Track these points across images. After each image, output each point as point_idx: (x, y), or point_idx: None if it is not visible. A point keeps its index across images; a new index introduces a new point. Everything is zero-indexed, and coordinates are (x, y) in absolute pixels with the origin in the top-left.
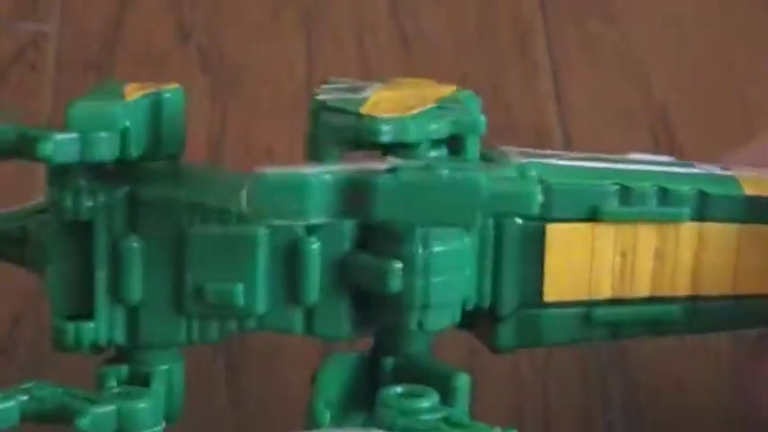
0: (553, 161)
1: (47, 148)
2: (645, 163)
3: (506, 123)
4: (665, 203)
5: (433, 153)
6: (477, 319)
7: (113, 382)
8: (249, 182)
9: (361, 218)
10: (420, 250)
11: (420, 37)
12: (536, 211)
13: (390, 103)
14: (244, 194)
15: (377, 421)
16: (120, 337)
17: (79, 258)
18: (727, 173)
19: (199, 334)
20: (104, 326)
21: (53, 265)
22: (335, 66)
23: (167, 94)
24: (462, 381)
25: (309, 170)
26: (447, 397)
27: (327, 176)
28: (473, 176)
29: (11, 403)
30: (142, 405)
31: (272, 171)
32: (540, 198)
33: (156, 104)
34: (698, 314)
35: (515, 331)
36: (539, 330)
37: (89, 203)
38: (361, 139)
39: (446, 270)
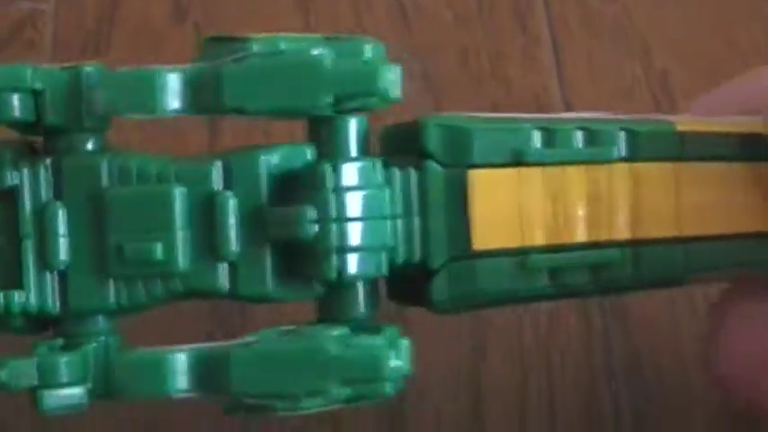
0: (476, 114)
1: None
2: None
3: (507, 98)
4: (592, 143)
5: None
6: (413, 281)
7: (44, 349)
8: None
9: (213, 109)
10: (332, 192)
11: (419, 12)
12: (383, 92)
13: None
14: (97, 92)
15: None
16: (50, 304)
17: (4, 228)
18: (662, 117)
19: (127, 298)
20: (34, 294)
21: None
22: None
23: (88, 68)
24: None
25: (156, 66)
26: None
27: (174, 73)
28: (315, 57)
29: None
30: (65, 359)
31: (121, 69)
32: (392, 79)
33: (76, 76)
34: (643, 259)
35: (449, 284)
36: (473, 282)
37: (14, 173)
38: None
39: (362, 212)
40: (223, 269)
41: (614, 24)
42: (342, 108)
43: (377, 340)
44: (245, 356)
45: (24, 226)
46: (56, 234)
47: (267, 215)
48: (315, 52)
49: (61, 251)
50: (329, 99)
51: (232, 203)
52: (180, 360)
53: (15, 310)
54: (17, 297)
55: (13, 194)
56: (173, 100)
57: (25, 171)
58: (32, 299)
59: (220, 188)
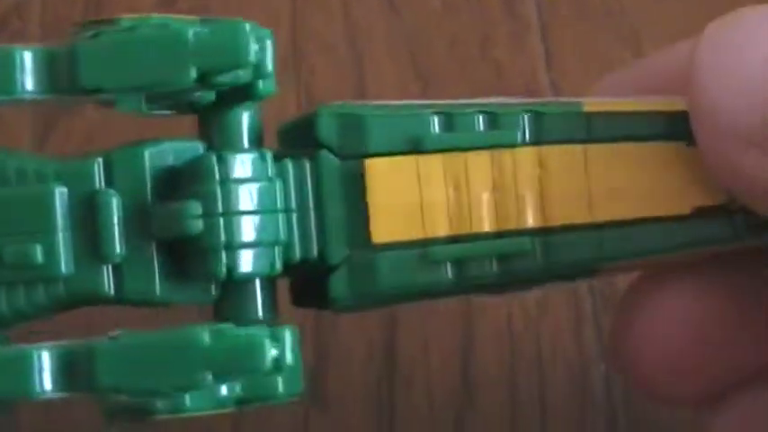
0: (378, 102)
1: None
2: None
3: (496, 83)
4: (494, 127)
5: None
6: (313, 282)
7: None
8: None
9: (71, 90)
10: (218, 185)
11: (408, 1)
12: (247, 59)
13: None
14: None
15: None
16: None
17: None
18: (572, 99)
19: (6, 305)
20: None
21: None
22: (320, 28)
23: None
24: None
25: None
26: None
27: (29, 52)
28: (175, 29)
29: None
30: None
31: None
32: (253, 50)
33: None
34: (553, 247)
35: (349, 281)
36: (374, 277)
37: None
38: None
39: (251, 206)
40: (107, 272)
41: (603, 7)
42: (210, 84)
43: (254, 330)
44: (111, 349)
45: None
46: None
47: (152, 213)
48: (175, 26)
49: None
50: (193, 74)
51: (115, 202)
52: (44, 357)
53: None
54: None
55: None
56: (28, 80)
57: None
58: None
59: (102, 186)
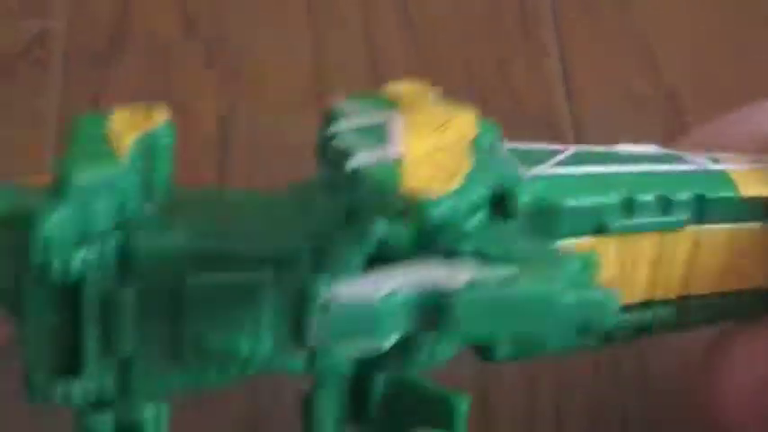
0: (559, 171)
1: (47, 229)
2: (637, 160)
3: (514, 108)
4: (667, 213)
5: (477, 217)
6: None
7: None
8: (316, 313)
9: (436, 330)
10: None
11: (426, 22)
12: (610, 322)
13: (430, 164)
14: (311, 324)
15: None
16: (110, 390)
17: (63, 311)
18: (718, 167)
19: (200, 381)
20: (94, 381)
21: (32, 318)
22: (342, 53)
23: (162, 136)
24: (464, 405)
25: (377, 291)
26: (446, 421)
27: (399, 298)
28: (550, 292)
29: None
30: None
31: (337, 302)
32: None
33: (149, 150)
34: (686, 313)
35: (512, 343)
36: (534, 341)
37: (77, 263)
38: (408, 218)
39: None
40: (304, 353)
41: (622, 32)
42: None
43: (605, 290)
44: (474, 298)
45: (88, 313)
46: (123, 323)
47: None
48: (548, 286)
49: (126, 341)
50: (572, 331)
51: (323, 290)
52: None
53: (76, 401)
54: (77, 387)
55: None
56: (393, 328)
57: (91, 257)
58: (92, 387)
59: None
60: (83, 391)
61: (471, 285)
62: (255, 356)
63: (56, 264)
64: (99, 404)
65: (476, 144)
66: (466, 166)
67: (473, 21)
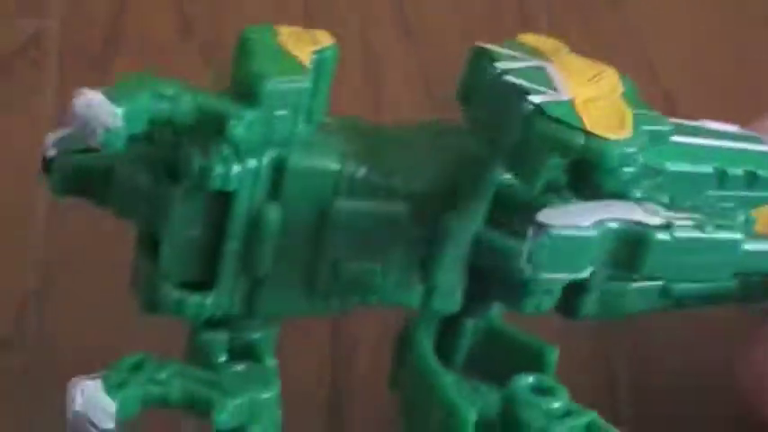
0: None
1: (237, 132)
2: (725, 137)
3: None
4: (753, 188)
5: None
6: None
7: (222, 356)
8: (530, 240)
9: (627, 269)
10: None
11: (424, 24)
12: None
13: (598, 110)
14: (524, 251)
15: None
16: (237, 307)
17: (207, 225)
18: None
19: (323, 307)
20: (226, 297)
21: (174, 229)
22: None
23: (330, 56)
24: (553, 355)
25: (588, 223)
26: (536, 370)
27: (607, 229)
28: (735, 238)
29: (133, 391)
30: (268, 395)
31: (554, 229)
32: None
33: (318, 67)
34: (750, 286)
35: (599, 303)
36: (621, 302)
37: (237, 171)
38: (585, 159)
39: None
40: (423, 289)
41: (617, 35)
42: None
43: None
44: (668, 238)
45: (233, 227)
46: (266, 241)
47: (482, 241)
48: (731, 233)
49: (267, 260)
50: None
51: (453, 231)
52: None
53: (205, 315)
54: (208, 302)
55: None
56: (594, 260)
57: (248, 167)
58: (223, 304)
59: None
60: (214, 305)
61: (666, 226)
62: (383, 287)
63: (217, 168)
64: (215, 323)
65: (625, 97)
66: (629, 115)
67: (471, 22)
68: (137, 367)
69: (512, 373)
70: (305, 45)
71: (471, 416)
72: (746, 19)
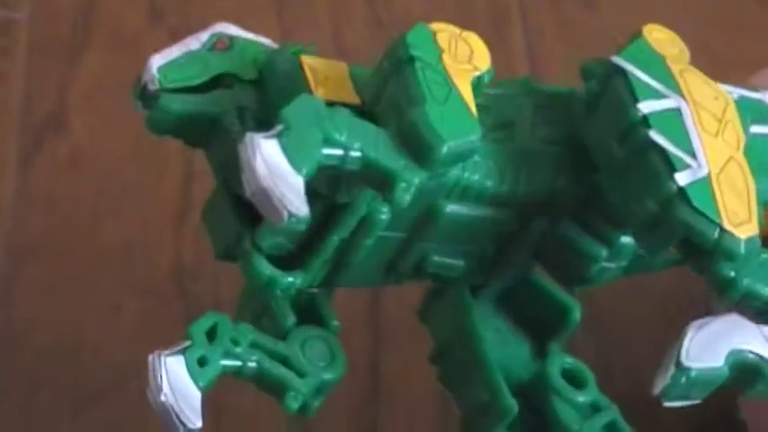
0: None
1: (404, 199)
2: None
3: None
4: None
5: None
6: None
7: (290, 317)
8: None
9: (736, 389)
10: None
11: (396, 21)
12: None
13: (730, 188)
14: (658, 386)
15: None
16: (317, 283)
17: (319, 216)
18: None
19: (393, 281)
20: (310, 276)
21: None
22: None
23: (485, 78)
24: (577, 313)
25: (722, 362)
26: (555, 323)
27: (733, 362)
28: None
29: (213, 370)
30: (336, 376)
31: (692, 371)
32: None
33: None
34: None
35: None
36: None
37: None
38: (713, 251)
39: None
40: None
41: (590, 35)
42: None
43: None
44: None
45: (343, 226)
46: (367, 238)
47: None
48: None
49: (361, 254)
50: None
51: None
52: None
53: (290, 292)
54: (294, 281)
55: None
56: None
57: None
58: (305, 282)
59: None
60: (301, 282)
61: None
62: (458, 280)
63: (342, 193)
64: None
65: (746, 152)
66: (753, 196)
67: (442, 16)
68: (212, 334)
69: (536, 321)
70: (465, 72)
71: (514, 408)
72: (719, 22)
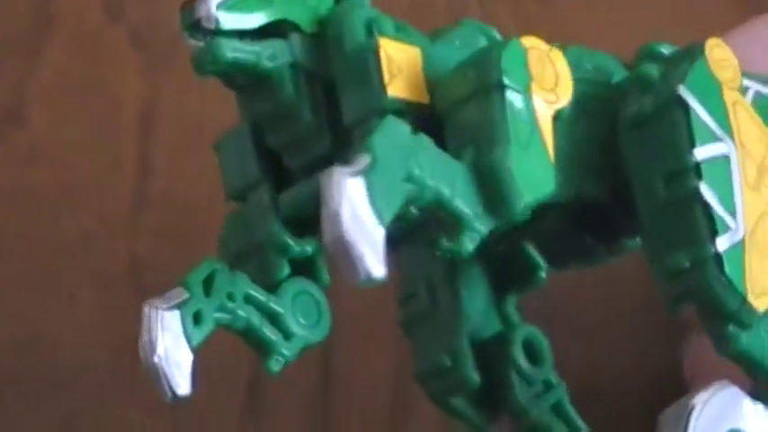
0: None
1: (468, 247)
2: None
3: None
4: None
5: None
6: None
7: (285, 270)
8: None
9: None
10: None
11: None
12: None
13: (758, 254)
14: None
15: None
16: None
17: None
18: None
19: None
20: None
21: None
22: None
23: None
24: (542, 273)
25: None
26: (521, 279)
27: None
28: None
29: (207, 327)
30: (318, 338)
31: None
32: None
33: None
34: None
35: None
36: None
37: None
38: (726, 318)
39: None
40: None
41: (549, 30)
42: None
43: None
44: None
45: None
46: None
47: None
48: None
49: None
50: None
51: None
52: None
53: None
54: (310, 248)
55: None
56: None
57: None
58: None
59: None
60: (312, 250)
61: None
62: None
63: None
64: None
65: None
66: None
67: (400, 10)
68: (207, 284)
69: (502, 272)
70: (549, 106)
71: (476, 383)
72: (683, 15)
